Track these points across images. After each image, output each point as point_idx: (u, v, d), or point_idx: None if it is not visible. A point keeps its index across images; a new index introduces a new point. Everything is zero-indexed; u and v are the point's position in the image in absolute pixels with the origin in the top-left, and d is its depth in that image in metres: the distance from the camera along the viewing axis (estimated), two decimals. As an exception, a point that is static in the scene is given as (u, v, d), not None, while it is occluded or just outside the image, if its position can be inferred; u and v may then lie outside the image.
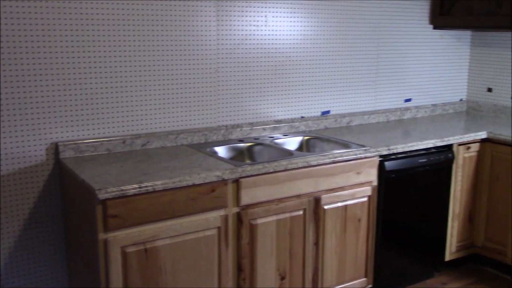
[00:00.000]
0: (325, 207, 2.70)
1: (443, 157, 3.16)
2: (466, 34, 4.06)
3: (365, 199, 2.86)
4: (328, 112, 3.44)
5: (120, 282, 2.13)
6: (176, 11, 2.74)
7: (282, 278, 2.62)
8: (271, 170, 2.47)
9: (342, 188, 2.75)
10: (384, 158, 2.90)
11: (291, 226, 2.60)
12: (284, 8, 3.10)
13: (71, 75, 2.50)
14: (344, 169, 2.73)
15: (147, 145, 2.75)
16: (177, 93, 2.83)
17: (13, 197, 2.45)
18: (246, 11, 2.97)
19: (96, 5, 2.51)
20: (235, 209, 2.42)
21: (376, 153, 2.84)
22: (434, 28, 3.83)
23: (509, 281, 3.36)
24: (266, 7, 3.03)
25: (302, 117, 3.32)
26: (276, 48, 3.13)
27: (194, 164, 2.44)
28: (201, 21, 2.83)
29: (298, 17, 3.17)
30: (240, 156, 2.90)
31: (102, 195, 2.03)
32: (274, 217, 2.53)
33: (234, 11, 2.93)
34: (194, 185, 2.26)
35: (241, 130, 3.06)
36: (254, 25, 3.01)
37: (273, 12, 3.07)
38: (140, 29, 2.65)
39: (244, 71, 3.03)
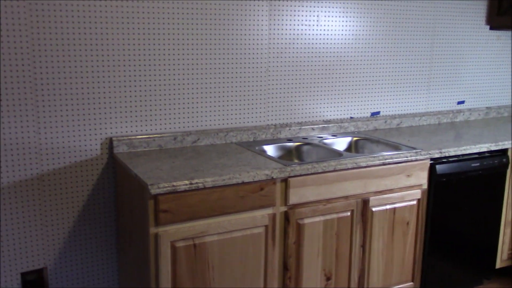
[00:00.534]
0: (373, 209, 2.68)
1: (497, 161, 3.07)
2: (525, 35, 3.94)
3: (415, 202, 2.81)
4: (378, 113, 3.40)
5: (169, 276, 2.18)
6: (230, 10, 2.77)
7: (328, 278, 2.62)
8: (320, 170, 2.47)
9: (391, 191, 2.72)
10: (436, 161, 2.85)
11: (338, 227, 2.59)
12: (336, 7, 3.09)
13: (126, 73, 2.58)
14: (394, 171, 2.70)
15: (197, 142, 2.80)
16: (227, 92, 2.86)
17: (68, 189, 2.55)
18: (298, 11, 2.97)
19: (153, 4, 2.57)
20: (283, 208, 2.43)
21: (428, 156, 2.79)
22: (491, 28, 3.72)
23: None
24: (318, 7, 3.03)
25: (352, 117, 3.30)
26: (327, 47, 3.11)
27: (243, 162, 2.46)
28: (254, 20, 2.85)
29: (350, 17, 3.15)
30: (288, 155, 2.91)
31: (154, 190, 2.07)
32: (322, 218, 2.53)
33: (286, 10, 2.93)
34: (243, 183, 2.28)
35: (290, 129, 3.06)
36: (305, 25, 3.01)
37: (325, 11, 3.06)
38: (195, 27, 2.70)
39: (294, 70, 3.04)
